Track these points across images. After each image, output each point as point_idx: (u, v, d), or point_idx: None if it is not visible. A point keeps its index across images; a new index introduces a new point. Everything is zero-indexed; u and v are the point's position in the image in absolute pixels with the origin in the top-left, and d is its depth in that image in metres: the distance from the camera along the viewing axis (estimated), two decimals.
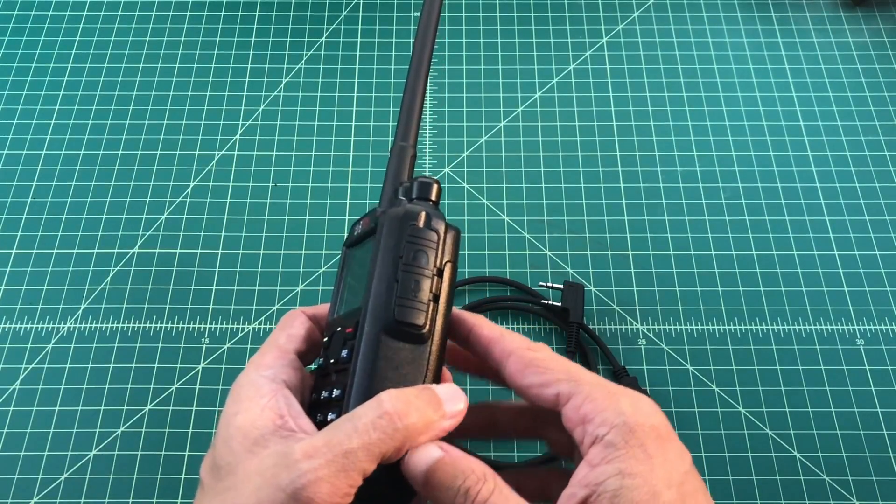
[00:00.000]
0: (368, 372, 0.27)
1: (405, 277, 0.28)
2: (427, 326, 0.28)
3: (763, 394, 0.50)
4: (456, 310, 0.31)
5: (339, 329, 0.29)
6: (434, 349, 0.28)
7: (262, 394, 0.27)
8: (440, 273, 0.29)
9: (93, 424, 0.49)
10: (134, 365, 0.51)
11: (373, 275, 0.29)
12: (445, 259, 0.29)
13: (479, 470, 0.26)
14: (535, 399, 0.28)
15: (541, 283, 0.53)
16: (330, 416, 0.27)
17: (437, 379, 0.28)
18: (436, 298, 0.29)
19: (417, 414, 0.25)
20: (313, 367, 0.31)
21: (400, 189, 0.32)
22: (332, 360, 0.29)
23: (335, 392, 0.28)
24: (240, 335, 0.52)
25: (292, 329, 0.30)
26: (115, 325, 0.53)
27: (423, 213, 0.29)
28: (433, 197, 0.31)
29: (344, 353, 0.28)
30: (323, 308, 0.32)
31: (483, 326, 0.30)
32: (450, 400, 0.27)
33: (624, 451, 0.25)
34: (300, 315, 0.31)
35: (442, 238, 0.29)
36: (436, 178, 0.31)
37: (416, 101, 0.33)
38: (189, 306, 0.53)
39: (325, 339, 0.30)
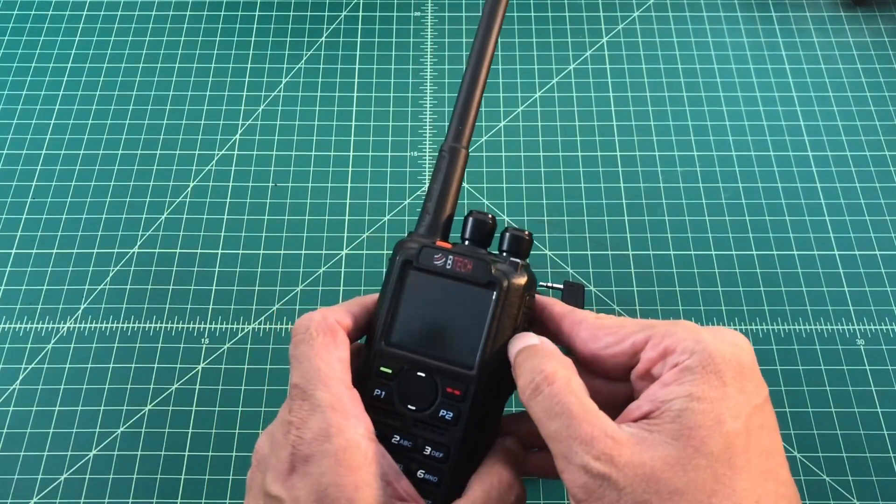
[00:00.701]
0: (473, 448, 0.28)
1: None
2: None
3: None
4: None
5: (419, 374, 0.29)
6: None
7: (369, 460, 0.26)
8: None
9: (93, 424, 0.49)
10: (134, 365, 0.51)
11: (490, 342, 0.28)
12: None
13: (552, 371, 0.26)
14: (612, 361, 0.28)
15: (541, 284, 0.53)
16: (426, 476, 0.28)
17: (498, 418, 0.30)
18: None
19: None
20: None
21: (484, 226, 0.31)
22: (412, 407, 0.28)
23: (429, 449, 0.28)
24: (240, 335, 0.52)
25: (339, 350, 0.29)
26: (114, 325, 0.53)
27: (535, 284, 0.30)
28: (525, 252, 0.31)
29: (448, 415, 0.28)
30: (350, 310, 0.30)
31: (554, 304, 0.30)
32: None
33: (699, 376, 0.25)
34: (339, 331, 0.29)
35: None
36: (526, 230, 0.30)
37: (472, 101, 0.33)
38: (189, 306, 0.53)
39: (390, 371, 0.29)
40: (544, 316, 0.30)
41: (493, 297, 0.28)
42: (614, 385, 0.29)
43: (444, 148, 0.32)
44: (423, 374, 0.29)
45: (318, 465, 0.26)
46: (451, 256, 0.29)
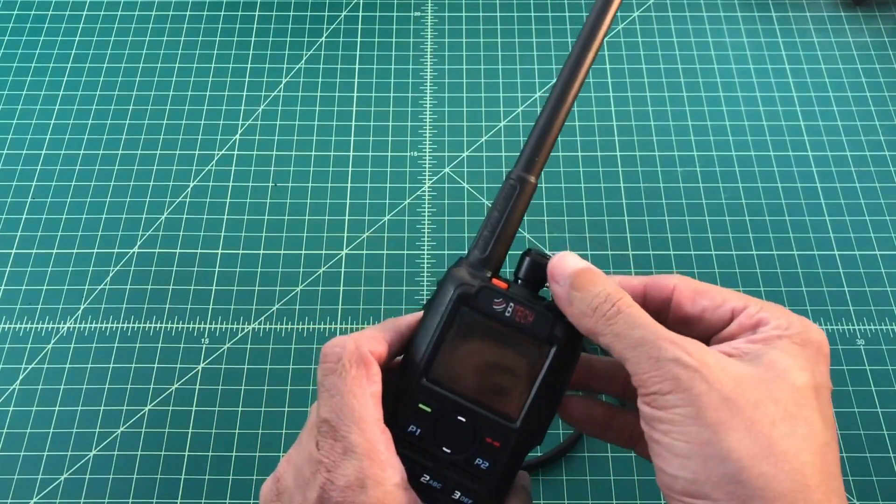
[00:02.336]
0: (502, 494, 0.28)
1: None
2: None
3: None
4: None
5: (459, 418, 0.28)
6: None
7: None
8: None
9: (92, 424, 0.49)
10: (133, 365, 0.51)
11: (539, 399, 0.28)
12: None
13: (622, 295, 0.27)
14: (705, 324, 0.28)
15: None
16: None
17: None
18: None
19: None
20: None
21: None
22: (447, 450, 0.28)
23: (458, 494, 0.28)
24: (240, 335, 0.52)
25: (373, 385, 0.27)
26: (114, 325, 0.53)
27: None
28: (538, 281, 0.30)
29: (483, 464, 0.28)
30: (385, 337, 0.29)
31: (629, 278, 0.30)
32: None
33: (787, 345, 0.26)
34: (372, 364, 0.28)
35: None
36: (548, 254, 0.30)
37: (552, 128, 0.29)
38: (189, 306, 0.53)
39: (429, 409, 0.28)
40: (649, 289, 0.30)
41: (551, 354, 0.28)
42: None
43: (513, 176, 0.30)
44: (463, 419, 0.28)
45: None
46: (511, 304, 0.28)
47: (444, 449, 0.28)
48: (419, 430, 0.28)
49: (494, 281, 0.29)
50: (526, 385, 0.28)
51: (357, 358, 0.27)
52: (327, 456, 0.26)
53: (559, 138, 0.60)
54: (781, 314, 0.27)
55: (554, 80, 0.62)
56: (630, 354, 0.25)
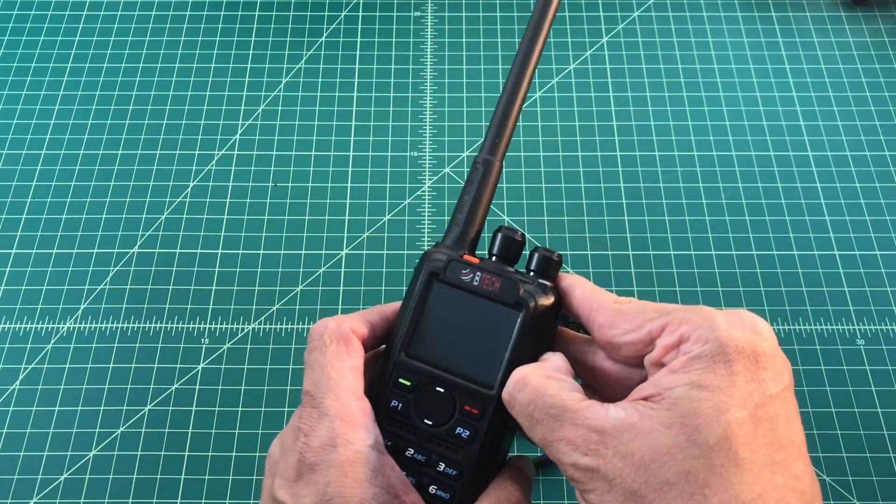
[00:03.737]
0: (487, 466, 0.28)
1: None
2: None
3: None
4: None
5: (437, 389, 0.28)
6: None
7: (376, 472, 0.26)
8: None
9: (92, 424, 0.49)
10: (133, 365, 0.51)
11: (513, 364, 0.28)
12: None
13: (522, 375, 0.26)
14: (628, 348, 0.27)
15: None
16: (438, 492, 0.28)
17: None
18: None
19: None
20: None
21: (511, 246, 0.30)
22: (428, 422, 0.28)
23: (442, 465, 0.28)
24: (240, 335, 0.52)
25: (352, 359, 0.28)
26: (114, 325, 0.53)
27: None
28: (554, 274, 0.30)
29: (464, 433, 0.28)
30: (368, 318, 0.30)
31: (577, 286, 0.29)
32: None
33: (706, 365, 0.24)
34: (353, 339, 0.29)
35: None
36: (556, 252, 0.30)
37: (511, 112, 0.31)
38: (189, 306, 0.53)
39: (408, 383, 0.29)
40: (568, 298, 0.29)
41: (519, 318, 0.28)
42: (630, 370, 0.29)
43: (479, 160, 0.31)
44: (441, 390, 0.28)
45: (323, 475, 0.26)
46: (478, 273, 0.29)
47: (426, 421, 0.28)
48: (400, 405, 0.29)
49: (466, 257, 0.30)
50: (499, 351, 0.28)
51: (338, 335, 0.28)
52: (306, 422, 0.27)
53: (559, 138, 0.60)
54: (702, 321, 0.25)
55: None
56: (541, 447, 0.26)
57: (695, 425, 0.23)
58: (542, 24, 0.31)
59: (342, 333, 0.28)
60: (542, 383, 0.26)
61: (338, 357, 0.28)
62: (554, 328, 0.30)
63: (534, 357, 0.28)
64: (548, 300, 0.28)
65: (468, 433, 0.28)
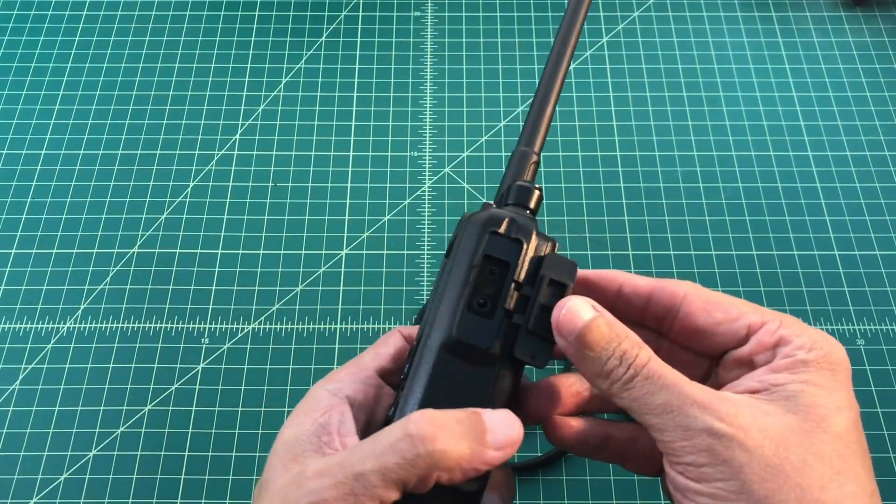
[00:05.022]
0: (418, 393, 0.25)
1: (475, 291, 0.26)
2: (496, 347, 0.25)
3: None
4: (594, 271, 0.29)
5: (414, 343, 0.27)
6: (504, 373, 0.25)
7: (318, 408, 0.25)
8: (519, 288, 0.26)
9: (92, 424, 0.49)
10: (133, 365, 0.51)
11: (443, 284, 0.26)
12: (530, 273, 0.26)
13: (634, 335, 0.25)
14: (720, 336, 0.26)
15: None
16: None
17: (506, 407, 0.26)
18: (509, 315, 0.26)
19: (449, 440, 0.23)
20: None
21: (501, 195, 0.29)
22: (402, 377, 0.27)
23: (391, 411, 0.26)
24: (239, 335, 0.52)
25: (382, 347, 0.28)
26: (114, 325, 0.53)
27: (507, 220, 0.27)
28: (531, 205, 0.29)
29: (407, 367, 0.26)
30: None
31: (636, 278, 0.28)
32: (499, 429, 0.24)
33: (815, 370, 0.24)
34: (395, 334, 0.29)
35: (526, 250, 0.27)
36: (538, 185, 0.28)
37: (547, 105, 0.31)
38: (188, 306, 0.53)
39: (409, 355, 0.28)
40: (624, 293, 0.28)
41: (455, 241, 0.27)
42: (693, 359, 0.28)
43: (516, 151, 0.31)
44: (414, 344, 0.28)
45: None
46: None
47: (401, 377, 0.27)
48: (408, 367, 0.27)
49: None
50: (440, 284, 0.28)
51: (386, 334, 0.30)
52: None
53: (559, 138, 0.60)
54: (802, 330, 0.25)
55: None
56: (654, 421, 0.24)
57: (820, 416, 0.23)
58: (580, 7, 0.32)
59: (388, 333, 0.30)
60: (651, 352, 0.25)
61: (371, 347, 0.29)
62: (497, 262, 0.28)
63: (468, 276, 0.27)
64: (483, 214, 0.27)
65: (408, 366, 0.27)
